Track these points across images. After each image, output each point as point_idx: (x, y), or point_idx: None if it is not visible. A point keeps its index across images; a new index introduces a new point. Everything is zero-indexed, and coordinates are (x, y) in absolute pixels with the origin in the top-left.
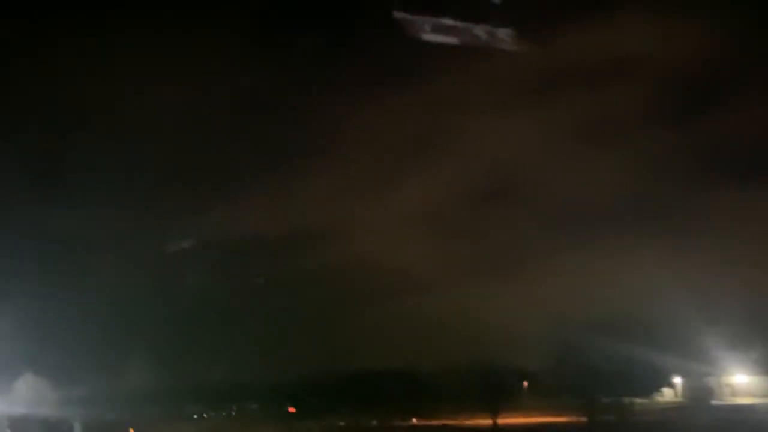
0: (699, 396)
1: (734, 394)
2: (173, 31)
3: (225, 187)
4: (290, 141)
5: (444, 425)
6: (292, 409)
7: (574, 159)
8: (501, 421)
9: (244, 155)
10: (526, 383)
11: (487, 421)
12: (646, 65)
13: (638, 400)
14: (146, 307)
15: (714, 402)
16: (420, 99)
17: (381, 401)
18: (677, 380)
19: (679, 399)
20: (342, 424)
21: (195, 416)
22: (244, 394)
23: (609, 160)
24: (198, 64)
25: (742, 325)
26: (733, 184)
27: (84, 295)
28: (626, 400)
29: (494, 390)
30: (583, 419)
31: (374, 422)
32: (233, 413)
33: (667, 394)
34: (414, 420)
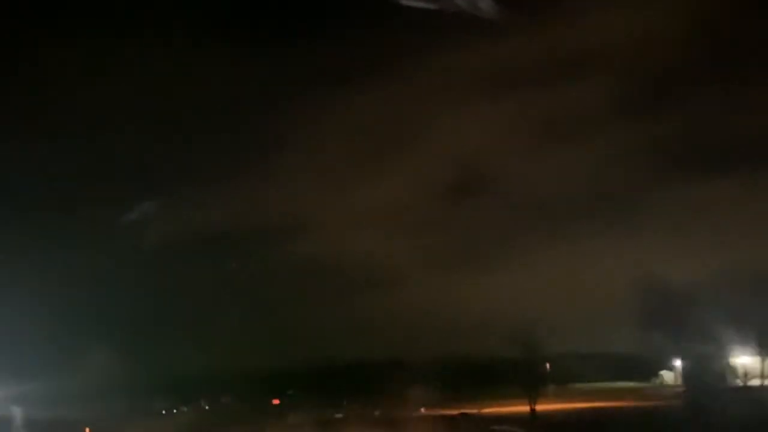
0: (703, 380)
1: (737, 375)
2: (135, 30)
3: (197, 181)
4: (261, 136)
5: (463, 414)
6: (276, 401)
7: (542, 153)
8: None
9: (215, 150)
10: (548, 365)
11: (513, 408)
12: (611, 61)
13: (638, 385)
14: (112, 300)
15: (720, 385)
16: (391, 94)
17: (377, 391)
18: (677, 363)
19: (679, 383)
20: (340, 415)
21: (164, 412)
22: (220, 386)
23: (576, 154)
24: (166, 59)
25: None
26: (695, 176)
27: (45, 289)
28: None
29: (535, 376)
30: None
31: (377, 413)
32: (206, 408)
33: (666, 378)
34: (423, 410)
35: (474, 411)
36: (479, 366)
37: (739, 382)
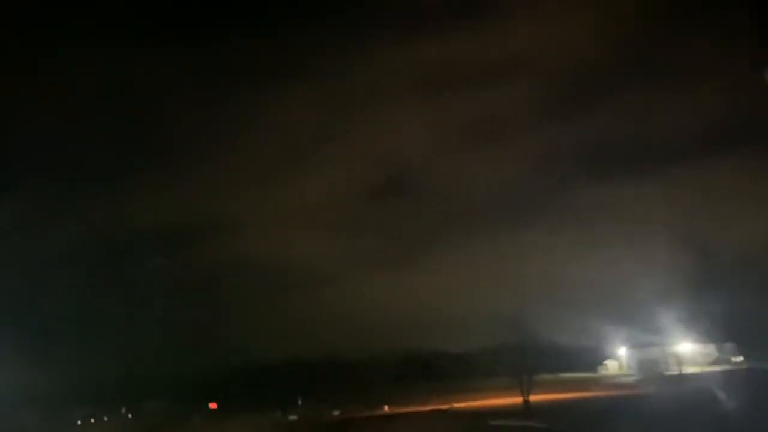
0: (648, 367)
1: (680, 363)
2: (65, 29)
3: (118, 180)
4: (189, 135)
5: (451, 408)
6: (213, 405)
7: (468, 154)
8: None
9: (142, 149)
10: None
11: (499, 401)
12: (535, 64)
13: (586, 375)
14: (23, 301)
15: (665, 372)
16: (319, 94)
17: (330, 390)
18: (621, 352)
19: (625, 371)
20: (294, 417)
21: (80, 422)
22: (145, 391)
23: (500, 155)
24: (93, 59)
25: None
26: (615, 177)
27: None
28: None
29: (530, 366)
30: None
31: (336, 413)
32: (129, 416)
33: (611, 367)
34: (386, 408)
35: (446, 407)
36: (424, 361)
37: (680, 370)
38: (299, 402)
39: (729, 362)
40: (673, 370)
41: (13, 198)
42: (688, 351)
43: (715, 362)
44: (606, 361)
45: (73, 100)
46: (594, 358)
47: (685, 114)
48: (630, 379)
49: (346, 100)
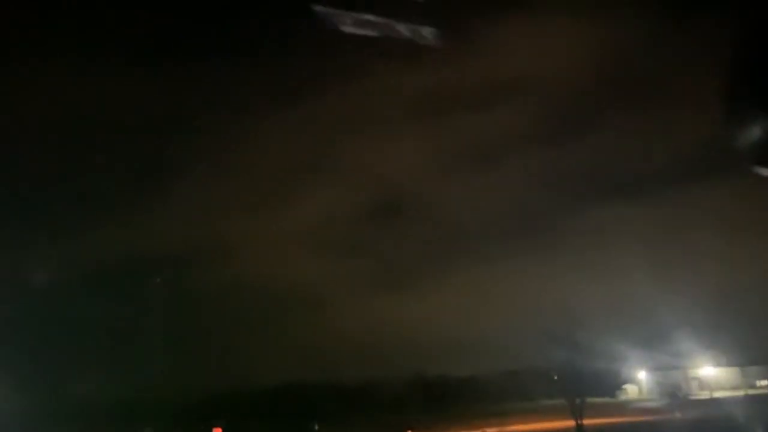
0: (670, 392)
1: (702, 387)
2: (49, 47)
3: (115, 205)
4: (186, 160)
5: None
6: (218, 430)
7: (463, 177)
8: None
9: (135, 175)
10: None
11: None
12: (528, 91)
13: (606, 400)
14: (18, 326)
15: (687, 397)
16: (315, 117)
17: (344, 415)
18: (641, 376)
19: (645, 396)
20: None
21: None
22: (140, 416)
23: (496, 178)
24: (79, 80)
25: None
26: (610, 200)
27: None
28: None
29: (577, 390)
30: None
31: None
32: None
33: (630, 392)
34: None
35: (497, 429)
36: (431, 385)
37: (703, 394)
38: (316, 427)
39: (754, 386)
40: (696, 395)
41: (4, 220)
42: (711, 375)
43: (738, 386)
44: (625, 385)
45: (62, 127)
46: (613, 382)
47: (676, 140)
48: (651, 404)
49: (341, 124)
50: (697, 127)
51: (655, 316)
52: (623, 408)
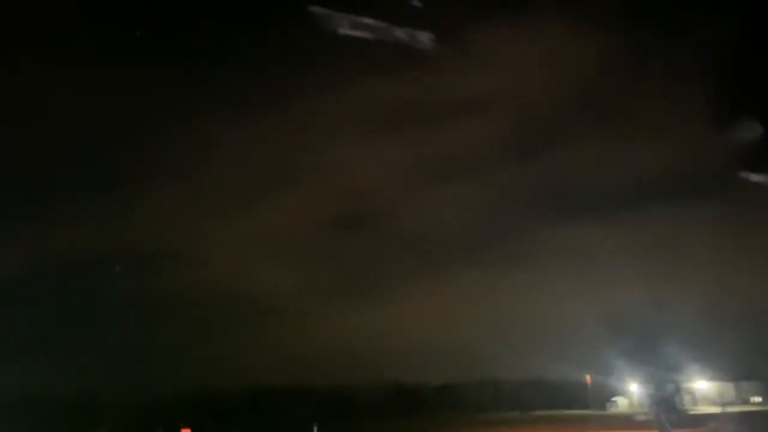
0: (662, 406)
1: (695, 401)
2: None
3: (76, 204)
4: (147, 160)
5: None
6: (186, 430)
7: (434, 188)
8: None
9: (102, 176)
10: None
11: None
12: (498, 106)
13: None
14: None
15: (681, 411)
16: (284, 124)
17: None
18: (632, 389)
19: (637, 409)
20: None
21: None
22: (94, 416)
23: (461, 193)
24: (46, 78)
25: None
26: (572, 217)
27: None
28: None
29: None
30: None
31: None
32: None
33: (621, 404)
34: None
35: None
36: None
37: (696, 409)
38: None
39: (747, 402)
40: (690, 410)
41: None
42: (704, 389)
43: (731, 402)
44: (615, 398)
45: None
46: (602, 395)
47: (643, 162)
48: (643, 417)
49: (310, 135)
50: (671, 145)
51: (643, 329)
52: (607, 421)
